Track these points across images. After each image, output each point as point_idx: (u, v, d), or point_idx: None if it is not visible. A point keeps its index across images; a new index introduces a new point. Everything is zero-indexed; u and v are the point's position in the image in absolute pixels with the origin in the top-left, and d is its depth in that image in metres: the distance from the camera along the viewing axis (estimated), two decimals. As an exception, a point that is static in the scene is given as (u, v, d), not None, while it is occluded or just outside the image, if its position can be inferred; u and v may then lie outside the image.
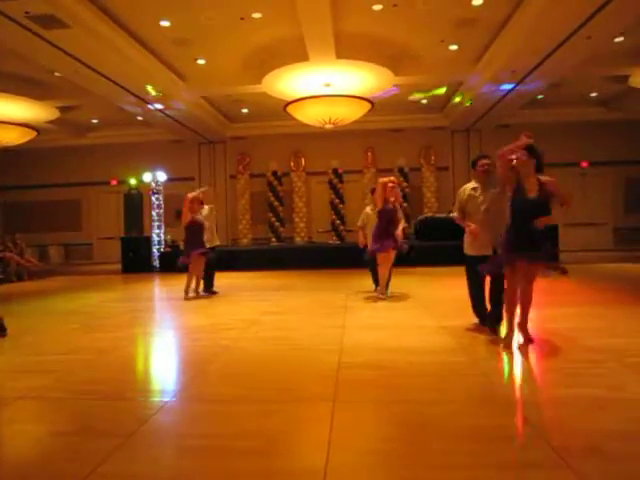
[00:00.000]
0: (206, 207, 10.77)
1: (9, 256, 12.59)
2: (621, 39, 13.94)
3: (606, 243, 22.75)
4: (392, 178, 9.09)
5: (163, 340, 6.44)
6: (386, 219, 8.77)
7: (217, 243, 11.12)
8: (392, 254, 8.88)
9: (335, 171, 22.49)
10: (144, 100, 17.02)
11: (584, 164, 22.70)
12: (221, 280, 12.62)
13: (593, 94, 19.68)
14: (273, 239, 22.24)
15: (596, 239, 22.73)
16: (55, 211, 24.45)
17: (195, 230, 10.14)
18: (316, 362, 5.07)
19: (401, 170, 22.18)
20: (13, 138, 18.77)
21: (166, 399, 4.16)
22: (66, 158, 24.24)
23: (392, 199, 8.79)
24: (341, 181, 22.56)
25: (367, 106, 17.02)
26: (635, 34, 13.57)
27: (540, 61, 14.20)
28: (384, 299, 8.96)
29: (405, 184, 21.83)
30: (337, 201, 22.39)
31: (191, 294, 10.27)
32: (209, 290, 10.79)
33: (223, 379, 4.64)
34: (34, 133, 19.32)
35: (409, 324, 6.82)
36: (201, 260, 10.28)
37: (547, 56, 13.78)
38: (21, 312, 8.94)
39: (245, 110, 20.76)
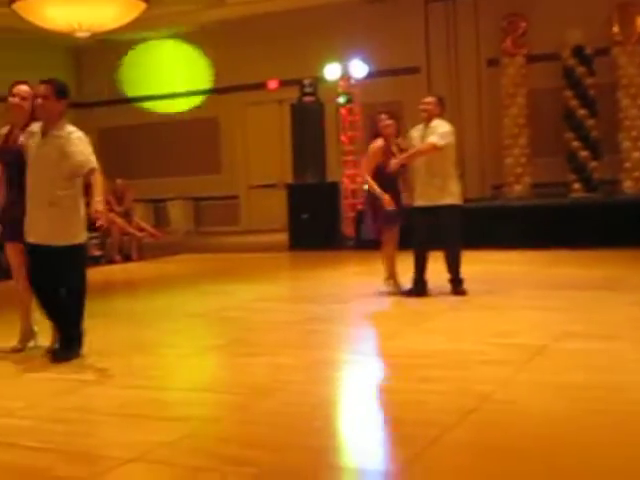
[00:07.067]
0: (417, 129, 6.42)
1: (109, 220, 7.39)
2: None
3: None
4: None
5: (365, 376, 4.41)
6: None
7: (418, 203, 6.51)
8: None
9: None
10: None
11: None
12: (468, 265, 7.06)
13: None
14: (576, 185, 12.78)
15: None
16: (177, 139, 14.68)
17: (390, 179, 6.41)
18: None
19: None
20: (111, 18, 10.92)
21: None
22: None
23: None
24: None
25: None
26: None
27: None
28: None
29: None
30: None
31: (390, 288, 6.55)
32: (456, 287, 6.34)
33: (476, 463, 2.85)
34: (142, 6, 10.96)
35: None
36: (392, 231, 6.56)
37: None
38: (124, 314, 6.63)
39: None
